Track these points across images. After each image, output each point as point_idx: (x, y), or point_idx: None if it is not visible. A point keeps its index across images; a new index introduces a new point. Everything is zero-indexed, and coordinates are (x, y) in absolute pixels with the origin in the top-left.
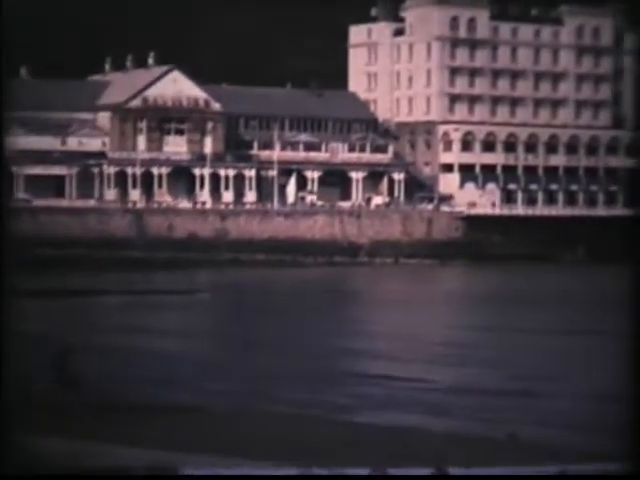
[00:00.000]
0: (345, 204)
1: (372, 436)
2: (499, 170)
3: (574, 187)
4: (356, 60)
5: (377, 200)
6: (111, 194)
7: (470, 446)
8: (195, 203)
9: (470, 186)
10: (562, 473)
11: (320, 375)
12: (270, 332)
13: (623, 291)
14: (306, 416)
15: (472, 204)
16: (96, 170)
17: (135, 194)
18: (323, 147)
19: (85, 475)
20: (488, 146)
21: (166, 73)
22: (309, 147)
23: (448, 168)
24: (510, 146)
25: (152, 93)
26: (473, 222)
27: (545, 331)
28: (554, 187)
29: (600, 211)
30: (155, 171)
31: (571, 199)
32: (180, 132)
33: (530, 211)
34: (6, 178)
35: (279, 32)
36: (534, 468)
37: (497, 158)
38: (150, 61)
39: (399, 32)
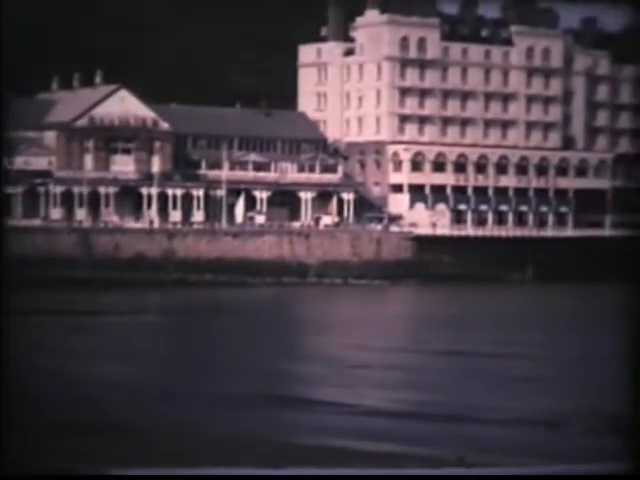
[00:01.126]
0: (294, 224)
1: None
2: (449, 191)
3: (524, 208)
4: (306, 80)
5: (326, 220)
6: (57, 213)
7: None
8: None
9: (420, 206)
10: (562, 473)
11: (240, 398)
12: (207, 354)
13: (567, 311)
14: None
15: (422, 224)
16: (42, 189)
17: (81, 213)
18: (272, 167)
19: (85, 475)
20: (438, 166)
21: (113, 92)
22: (258, 167)
23: (398, 188)
24: (460, 167)
25: (99, 112)
26: (423, 242)
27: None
28: (504, 208)
29: (550, 232)
30: (102, 190)
31: (521, 220)
32: (127, 151)
33: (480, 232)
34: None
35: (228, 51)
36: (534, 468)
37: (447, 178)
38: (97, 80)
39: (349, 52)
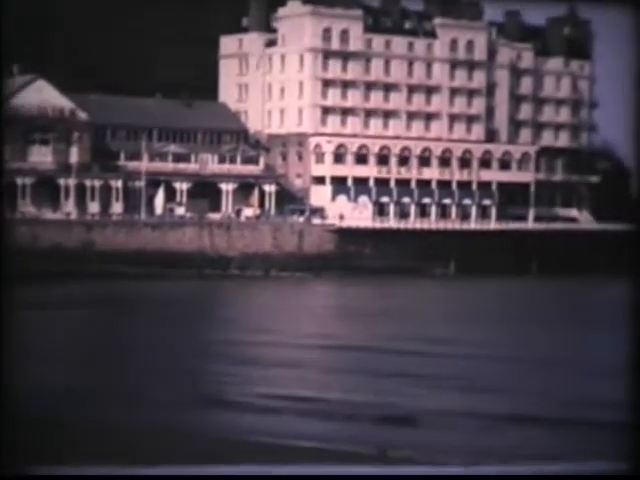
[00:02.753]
0: (215, 216)
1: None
2: (372, 183)
3: (447, 200)
4: (227, 71)
5: (247, 212)
6: None
7: None
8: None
9: (342, 198)
10: (562, 473)
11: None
12: (112, 348)
13: (485, 306)
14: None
15: (343, 217)
16: None
17: None
18: (192, 158)
19: (85, 475)
20: (361, 159)
21: (30, 82)
22: (178, 158)
23: (320, 180)
24: (383, 159)
25: (16, 102)
26: (345, 235)
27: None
28: (427, 200)
29: (473, 225)
30: (19, 181)
31: (444, 212)
32: (45, 142)
33: (403, 224)
34: None
35: (148, 41)
36: (534, 468)
37: (370, 171)
38: (14, 70)
39: (271, 43)
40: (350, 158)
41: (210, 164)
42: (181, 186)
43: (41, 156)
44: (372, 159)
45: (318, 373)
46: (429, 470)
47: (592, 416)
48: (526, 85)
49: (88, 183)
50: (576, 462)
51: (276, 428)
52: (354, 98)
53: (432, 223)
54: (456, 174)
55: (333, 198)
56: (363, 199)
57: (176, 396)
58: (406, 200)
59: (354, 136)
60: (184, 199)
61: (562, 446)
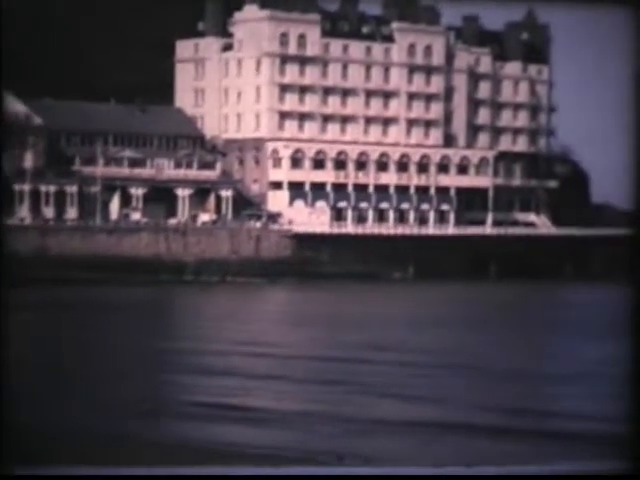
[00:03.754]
0: (171, 221)
1: None
2: (329, 188)
3: (405, 205)
4: (183, 75)
5: (204, 217)
6: None
7: None
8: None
9: (299, 204)
10: (562, 473)
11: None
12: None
13: (437, 311)
14: None
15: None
16: None
17: None
18: (148, 163)
19: (85, 475)
20: (318, 164)
21: None
22: (134, 163)
23: (277, 185)
24: (340, 164)
25: None
26: (302, 240)
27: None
28: (385, 205)
29: (431, 230)
30: None
31: (402, 218)
32: None
33: (360, 229)
34: None
35: (103, 46)
36: (534, 468)
37: (327, 176)
38: None
39: (228, 47)
40: (307, 163)
41: (166, 169)
42: (137, 191)
43: None
44: (329, 164)
45: (244, 380)
46: (429, 470)
47: (529, 425)
48: (484, 90)
49: (43, 188)
50: (576, 462)
51: (196, 434)
52: (312, 103)
53: (390, 228)
54: (414, 179)
55: (290, 203)
56: (321, 204)
57: (106, 402)
58: (364, 205)
59: (311, 141)
60: (140, 204)
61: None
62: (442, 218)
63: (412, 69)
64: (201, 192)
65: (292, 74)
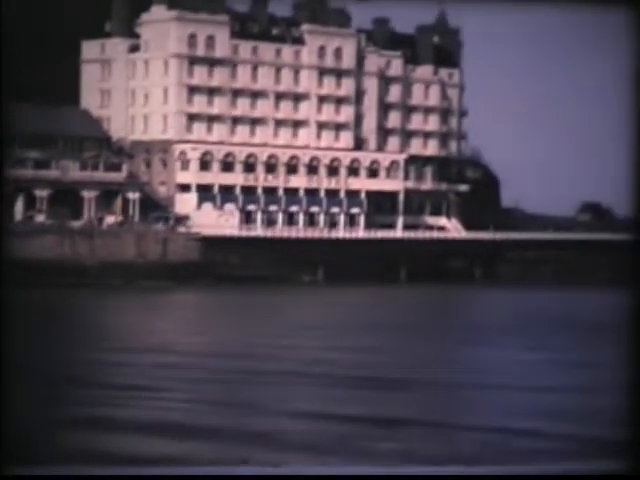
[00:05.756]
0: (76, 223)
1: None
2: (238, 190)
3: (315, 209)
4: (89, 76)
5: (109, 220)
6: None
7: None
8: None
9: (208, 206)
10: (562, 473)
11: None
12: None
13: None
14: None
15: (209, 225)
16: None
17: None
18: (53, 165)
19: (85, 475)
20: (227, 166)
21: None
22: (38, 165)
23: (185, 188)
24: (249, 166)
25: None
26: (210, 243)
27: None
28: (294, 208)
29: (341, 233)
30: None
31: (312, 221)
32: None
33: (270, 232)
34: None
35: (7, 43)
36: (534, 468)
37: (236, 178)
38: None
39: (134, 48)
40: (216, 165)
41: (71, 171)
42: (41, 193)
43: None
44: (238, 167)
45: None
46: (429, 470)
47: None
48: (395, 93)
49: None
50: (576, 462)
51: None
52: (220, 105)
53: (300, 231)
54: (324, 182)
55: (199, 206)
56: (229, 207)
57: None
58: (273, 208)
59: (220, 143)
60: (44, 206)
61: None
62: (352, 221)
63: (322, 72)
64: (107, 194)
65: (200, 76)
